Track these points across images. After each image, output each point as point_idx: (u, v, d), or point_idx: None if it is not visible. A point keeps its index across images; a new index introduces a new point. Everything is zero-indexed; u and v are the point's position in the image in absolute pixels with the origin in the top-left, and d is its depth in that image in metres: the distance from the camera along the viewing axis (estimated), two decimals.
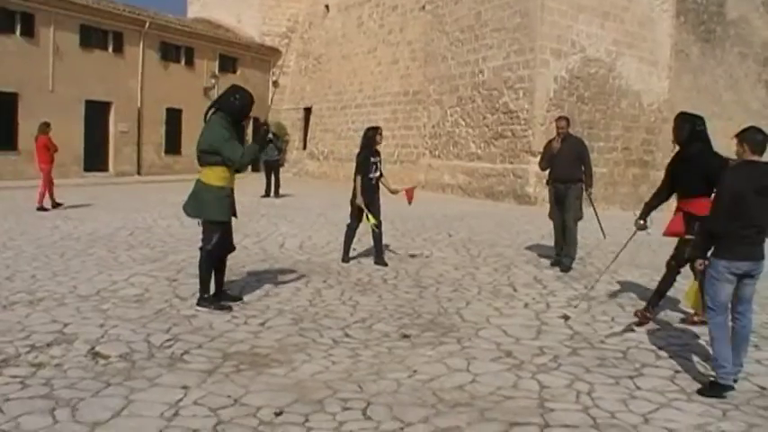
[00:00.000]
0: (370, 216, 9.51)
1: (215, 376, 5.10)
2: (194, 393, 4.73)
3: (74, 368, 5.16)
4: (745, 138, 5.28)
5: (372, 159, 9.79)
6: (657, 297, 7.22)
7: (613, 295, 8.39)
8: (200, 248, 7.04)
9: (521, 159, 20.47)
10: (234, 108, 6.97)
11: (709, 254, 5.28)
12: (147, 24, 30.06)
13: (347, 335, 6.28)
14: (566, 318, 7.11)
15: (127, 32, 29.57)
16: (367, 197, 9.70)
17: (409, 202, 10.17)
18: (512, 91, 21.09)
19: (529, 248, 11.66)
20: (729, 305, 5.29)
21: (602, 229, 10.15)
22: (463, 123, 23.49)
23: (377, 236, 9.82)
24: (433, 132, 25.28)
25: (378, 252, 9.87)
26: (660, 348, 6.22)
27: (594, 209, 10.27)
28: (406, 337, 6.26)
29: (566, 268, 9.86)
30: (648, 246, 12.69)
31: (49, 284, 7.91)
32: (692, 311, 7.10)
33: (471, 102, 23.04)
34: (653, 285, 9.02)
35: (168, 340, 5.91)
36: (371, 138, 9.96)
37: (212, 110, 6.99)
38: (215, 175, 6.83)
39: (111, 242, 11.14)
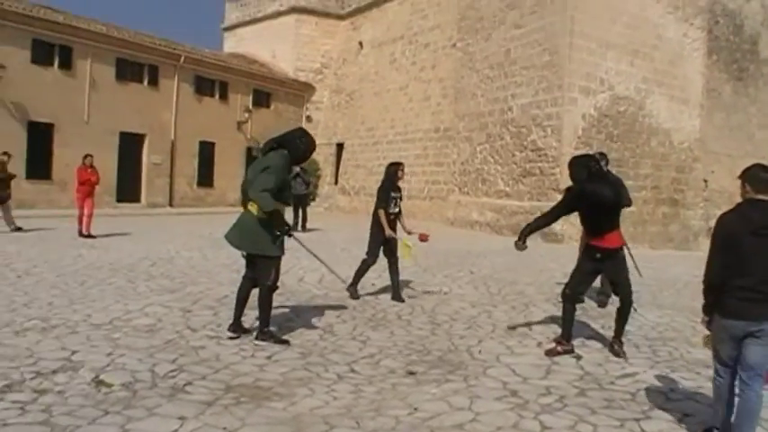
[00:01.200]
0: (408, 242, 9.64)
1: (214, 408, 5.08)
2: (190, 424, 4.72)
3: (75, 396, 5.18)
4: (748, 177, 4.67)
5: (393, 194, 9.78)
6: (567, 328, 7.20)
7: (628, 334, 8.25)
8: (262, 286, 6.97)
9: (548, 197, 20.33)
10: (298, 150, 6.94)
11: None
12: (183, 58, 30.55)
13: (353, 370, 6.23)
14: (578, 357, 7.02)
15: (162, 66, 30.06)
16: (381, 232, 9.74)
17: (424, 240, 10.09)
18: (540, 128, 21.05)
19: (550, 287, 11.53)
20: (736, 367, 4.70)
21: (637, 268, 9.93)
22: (492, 160, 23.46)
23: (394, 271, 9.79)
24: (463, 169, 25.27)
25: (394, 288, 9.83)
26: (672, 390, 6.09)
27: (628, 247, 10.08)
28: (411, 373, 6.19)
29: (603, 304, 9.73)
30: (672, 285, 12.54)
31: (65, 312, 7.98)
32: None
33: (500, 139, 23.02)
34: (673, 325, 8.97)
35: (173, 371, 5.91)
36: (393, 173, 9.94)
37: (271, 145, 6.92)
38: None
39: (132, 272, 11.22)
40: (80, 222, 16.49)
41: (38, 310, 8.05)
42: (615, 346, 7.27)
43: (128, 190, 28.61)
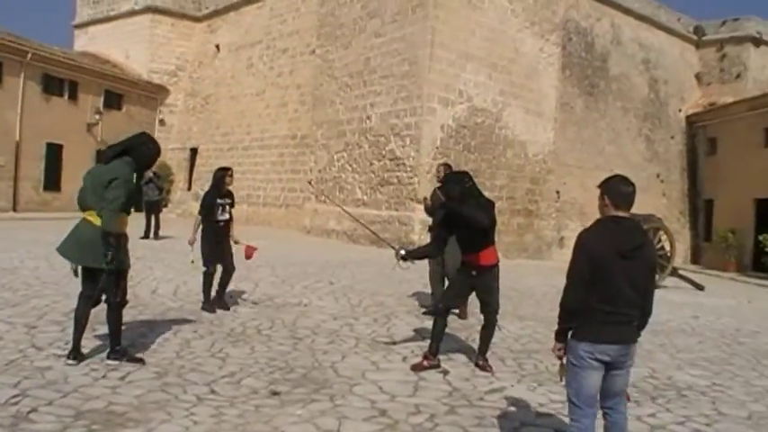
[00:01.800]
0: (191, 256, 9.13)
1: None
2: None
3: None
4: (608, 189, 4.28)
5: (220, 201, 9.34)
6: (436, 343, 7.03)
7: (493, 347, 8.14)
8: (110, 303, 6.33)
9: (406, 207, 20.35)
10: (143, 156, 6.38)
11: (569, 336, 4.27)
12: (30, 55, 28.82)
13: (213, 391, 5.77)
14: (444, 372, 6.81)
15: (7, 62, 28.25)
16: (210, 239, 9.32)
17: (247, 258, 9.68)
18: (398, 138, 21.02)
19: (410, 297, 11.38)
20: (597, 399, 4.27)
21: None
22: (350, 169, 23.29)
23: (224, 281, 9.50)
24: (320, 177, 24.98)
25: (219, 295, 9.46)
26: (541, 405, 5.98)
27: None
28: (275, 393, 5.78)
29: (464, 316, 9.64)
30: (531, 296, 12.66)
31: None
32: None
33: (358, 147, 22.89)
34: (536, 337, 8.96)
35: (15, 396, 5.27)
36: (219, 178, 9.54)
37: (116, 152, 6.29)
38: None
39: None
40: None
41: None
42: (480, 362, 7.15)
43: None
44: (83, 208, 6.25)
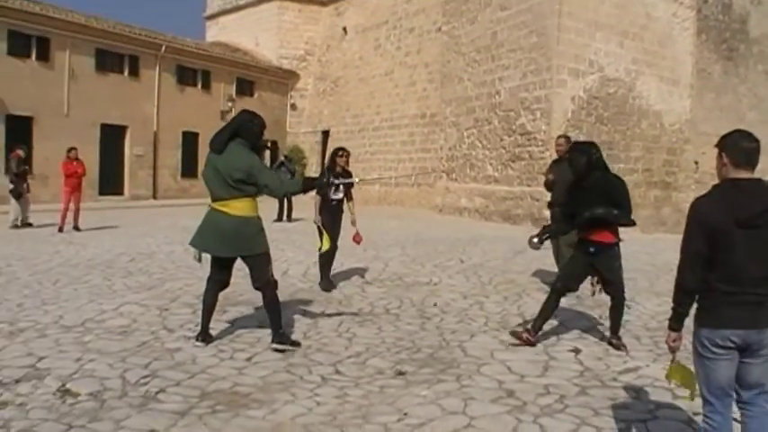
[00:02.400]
0: (324, 239, 8.91)
1: (187, 418, 4.68)
2: None
3: (37, 408, 4.78)
4: (726, 145, 3.61)
5: (334, 181, 9.29)
6: (541, 321, 6.88)
7: (628, 325, 7.90)
8: (264, 288, 6.44)
9: (538, 182, 19.93)
10: (254, 134, 6.44)
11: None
12: (164, 48, 30.02)
13: (338, 371, 5.83)
14: (576, 350, 6.65)
15: (143, 56, 29.53)
16: (327, 219, 9.31)
17: (355, 242, 9.69)
18: (528, 112, 20.65)
19: (542, 275, 11.15)
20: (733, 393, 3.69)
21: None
22: (480, 145, 23.07)
23: (325, 259, 9.51)
24: (450, 155, 24.87)
25: (323, 275, 9.58)
26: (678, 386, 5.72)
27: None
28: (400, 374, 5.78)
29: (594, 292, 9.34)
30: (669, 271, 12.18)
31: (35, 314, 7.55)
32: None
33: (488, 123, 22.62)
34: None
35: (145, 377, 5.50)
36: (331, 159, 9.68)
37: (227, 137, 6.36)
38: (251, 206, 6.33)
39: (110, 268, 10.80)
40: (62, 217, 16.11)
41: (6, 312, 7.61)
42: (614, 341, 6.92)
43: (110, 183, 28.15)
44: (214, 199, 6.36)
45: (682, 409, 5.18)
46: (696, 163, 23.47)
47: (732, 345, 3.53)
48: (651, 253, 14.71)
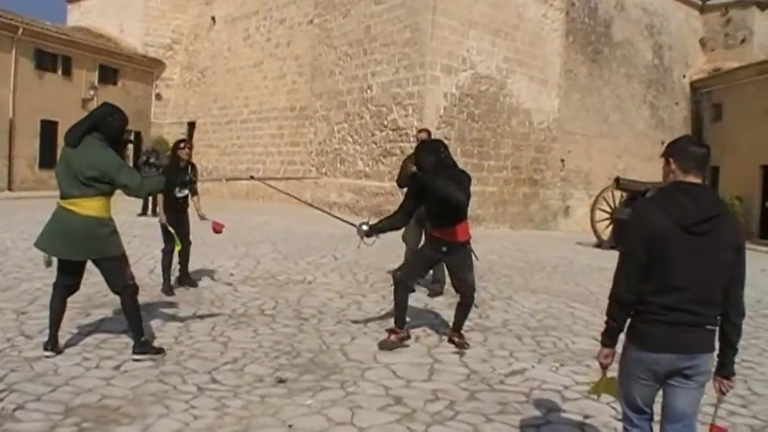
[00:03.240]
0: (176, 239, 8.27)
1: None
2: None
3: None
4: (674, 151, 3.37)
5: (181, 177, 8.62)
6: (401, 313, 6.70)
7: (509, 324, 7.77)
8: (122, 293, 5.84)
9: None
10: (113, 129, 5.82)
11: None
12: (21, 30, 28.25)
13: (214, 380, 5.36)
14: (461, 353, 6.42)
15: None
16: (173, 218, 8.63)
17: (215, 233, 8.87)
18: (401, 107, 20.53)
19: None
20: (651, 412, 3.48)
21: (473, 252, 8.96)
22: (351, 140, 22.83)
23: (184, 256, 8.94)
24: (320, 149, 24.52)
25: (182, 273, 9.03)
26: (566, 388, 5.59)
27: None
28: (281, 381, 5.37)
29: (436, 293, 9.07)
30: (542, 268, 12.25)
31: None
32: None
33: (359, 118, 22.39)
34: (551, 312, 8.57)
35: (1, 391, 4.88)
36: (173, 151, 9.13)
37: (84, 130, 5.73)
38: (103, 206, 5.71)
39: None
40: None
41: None
42: (455, 338, 6.76)
43: None
44: (63, 196, 5.75)
45: (573, 412, 5.03)
46: (562, 161, 23.99)
47: (660, 370, 3.28)
48: (523, 250, 14.81)
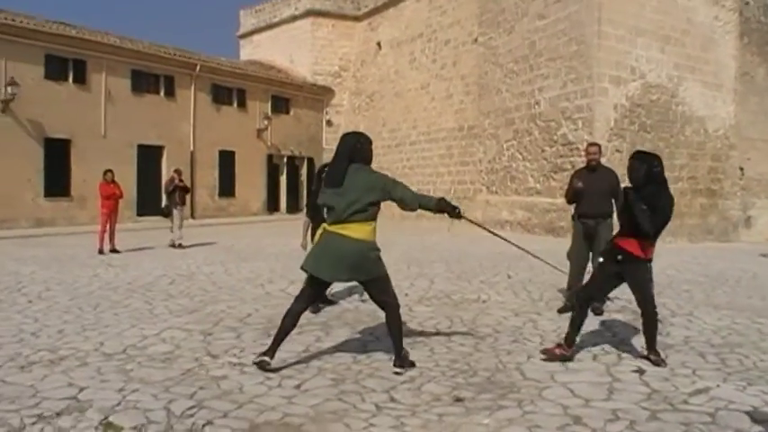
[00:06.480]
0: None
1: None
2: None
3: None
4: None
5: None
6: (573, 332, 6.63)
7: (690, 341, 7.51)
8: (388, 307, 6.27)
9: None
10: (366, 151, 6.29)
11: None
12: (198, 67, 30.05)
13: (392, 398, 5.51)
14: (640, 371, 6.28)
15: (178, 76, 29.61)
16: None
17: None
18: (570, 121, 20.29)
19: None
20: None
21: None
22: (520, 157, 22.72)
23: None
24: (490, 168, 24.55)
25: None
26: (755, 409, 5.36)
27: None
28: (459, 400, 5.45)
29: (599, 311, 8.88)
30: (724, 282, 11.76)
31: (76, 340, 7.34)
32: None
33: (528, 134, 22.29)
34: (736, 328, 8.21)
35: (191, 407, 5.22)
36: (317, 173, 9.21)
37: (340, 167, 6.16)
38: (373, 231, 6.20)
39: (150, 291, 10.60)
40: (101, 239, 16.08)
41: (47, 339, 7.41)
42: (652, 357, 6.59)
43: (148, 203, 28.05)
44: (335, 222, 6.13)
45: None
46: (741, 169, 22.91)
47: None
48: (703, 263, 14.26)
